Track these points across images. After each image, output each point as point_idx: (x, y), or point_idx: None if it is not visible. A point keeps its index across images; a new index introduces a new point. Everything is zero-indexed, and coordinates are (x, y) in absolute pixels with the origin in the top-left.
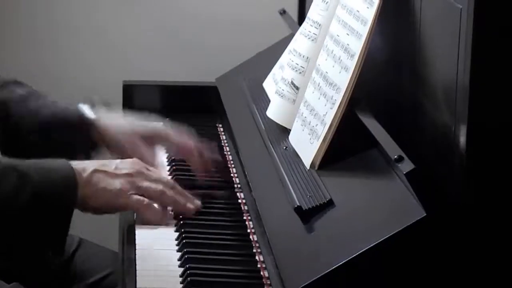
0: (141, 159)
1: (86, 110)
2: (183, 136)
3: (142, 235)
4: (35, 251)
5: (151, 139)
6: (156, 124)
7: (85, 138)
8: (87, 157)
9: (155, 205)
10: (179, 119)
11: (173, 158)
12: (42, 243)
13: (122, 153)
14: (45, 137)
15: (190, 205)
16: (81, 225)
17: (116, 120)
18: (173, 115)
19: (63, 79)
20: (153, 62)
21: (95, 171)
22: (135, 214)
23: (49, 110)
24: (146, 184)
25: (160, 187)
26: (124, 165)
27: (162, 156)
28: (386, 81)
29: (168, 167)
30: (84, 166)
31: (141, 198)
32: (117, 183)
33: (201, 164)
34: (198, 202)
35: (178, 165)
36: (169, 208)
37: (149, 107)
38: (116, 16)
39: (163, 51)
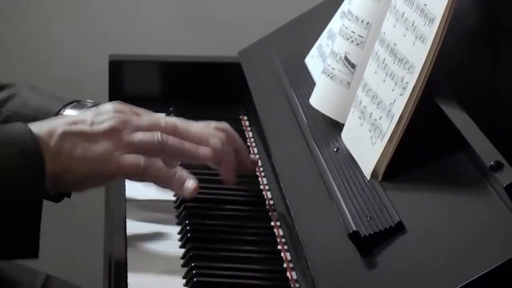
0: None
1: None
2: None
3: (138, 269)
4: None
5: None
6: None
7: None
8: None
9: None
10: (187, 109)
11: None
12: (6, 248)
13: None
14: None
15: (204, 151)
16: (49, 257)
17: None
18: (178, 104)
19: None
20: (150, 29)
21: (65, 134)
22: (126, 254)
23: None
24: (137, 137)
25: (157, 136)
26: (103, 116)
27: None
28: (477, 57)
29: (177, 213)
30: (49, 129)
31: (135, 158)
32: (98, 147)
33: (237, 168)
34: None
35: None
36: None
37: (144, 91)
38: None
39: (164, 16)
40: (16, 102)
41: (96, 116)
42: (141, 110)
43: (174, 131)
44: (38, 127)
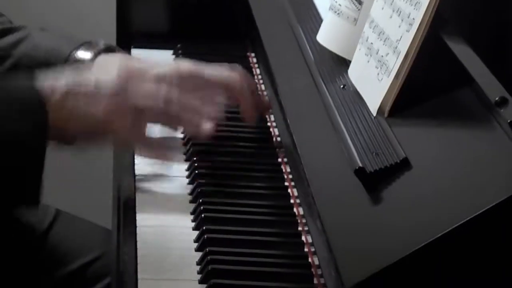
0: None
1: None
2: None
3: (146, 207)
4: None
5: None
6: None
7: None
8: None
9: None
10: (194, 46)
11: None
12: (7, 194)
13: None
14: None
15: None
16: (59, 192)
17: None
18: (185, 41)
19: None
20: None
21: (68, 93)
22: (135, 181)
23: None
24: (140, 96)
25: (161, 95)
26: (107, 77)
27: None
28: None
29: (185, 150)
30: (53, 85)
31: (137, 119)
32: (100, 108)
33: (255, 105)
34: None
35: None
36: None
37: (151, 28)
38: None
39: None
40: (27, 45)
41: (100, 76)
42: (149, 64)
43: (181, 86)
44: (41, 83)
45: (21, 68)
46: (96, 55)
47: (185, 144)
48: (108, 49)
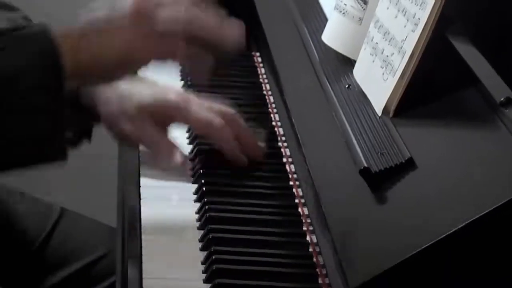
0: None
1: None
2: (209, 111)
3: (151, 204)
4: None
5: (163, 119)
6: (171, 92)
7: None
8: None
9: None
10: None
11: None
12: (33, 154)
13: (123, 137)
14: None
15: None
16: (63, 191)
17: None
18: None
19: None
20: None
21: (83, 34)
22: (139, 186)
23: None
24: (162, 15)
25: (182, 12)
26: (122, 4)
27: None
28: None
29: (190, 147)
30: (66, 30)
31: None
32: (120, 35)
33: (239, 152)
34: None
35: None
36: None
37: None
38: None
39: None
40: None
41: (113, 8)
42: None
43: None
44: (55, 29)
45: None
46: None
47: (190, 143)
48: None
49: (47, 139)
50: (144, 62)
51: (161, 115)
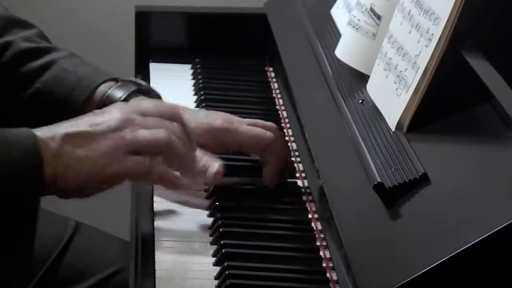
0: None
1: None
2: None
3: (164, 221)
4: None
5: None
6: (214, 118)
7: None
8: None
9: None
10: (213, 61)
11: None
12: None
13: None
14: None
15: (211, 163)
16: (78, 205)
17: None
18: (204, 56)
19: None
20: None
21: (67, 136)
22: (152, 199)
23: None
24: (141, 134)
25: (161, 134)
26: (107, 117)
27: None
28: (504, 8)
29: None
30: (52, 133)
31: (139, 159)
32: (100, 147)
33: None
34: (218, 162)
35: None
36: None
37: (170, 43)
38: None
39: None
40: (50, 75)
41: (100, 116)
42: (152, 105)
43: (180, 131)
44: (41, 131)
45: (46, 94)
46: (128, 96)
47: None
48: (140, 90)
49: (15, 245)
50: (115, 179)
51: (215, 141)
